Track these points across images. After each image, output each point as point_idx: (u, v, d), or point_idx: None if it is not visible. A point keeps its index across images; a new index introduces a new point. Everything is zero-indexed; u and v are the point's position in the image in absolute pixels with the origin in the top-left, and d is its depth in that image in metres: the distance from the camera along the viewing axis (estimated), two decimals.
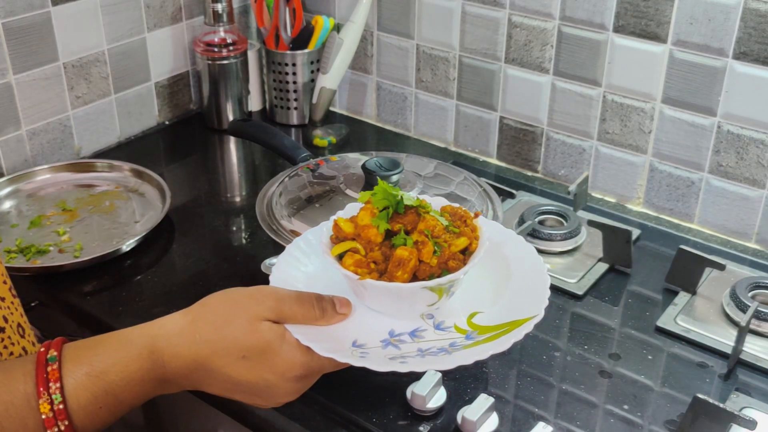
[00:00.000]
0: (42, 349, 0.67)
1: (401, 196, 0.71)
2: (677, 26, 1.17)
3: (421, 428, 0.87)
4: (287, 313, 0.69)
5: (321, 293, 0.72)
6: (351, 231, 0.72)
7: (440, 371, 0.88)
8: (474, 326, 0.71)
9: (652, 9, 1.18)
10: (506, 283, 0.75)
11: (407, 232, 0.70)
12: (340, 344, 0.68)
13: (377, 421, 0.88)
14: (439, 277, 0.69)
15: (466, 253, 0.71)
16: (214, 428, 1.01)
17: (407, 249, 0.68)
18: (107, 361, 0.67)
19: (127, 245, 1.15)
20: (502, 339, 0.67)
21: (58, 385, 0.64)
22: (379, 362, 0.66)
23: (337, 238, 0.73)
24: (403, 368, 0.65)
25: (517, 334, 0.67)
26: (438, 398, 0.89)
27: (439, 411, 0.89)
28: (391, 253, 0.69)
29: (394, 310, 0.72)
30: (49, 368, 0.65)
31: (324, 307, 0.70)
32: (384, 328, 0.71)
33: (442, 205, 0.76)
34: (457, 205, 0.76)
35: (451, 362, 0.66)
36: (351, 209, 0.76)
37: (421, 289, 0.69)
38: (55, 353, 0.66)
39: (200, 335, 0.68)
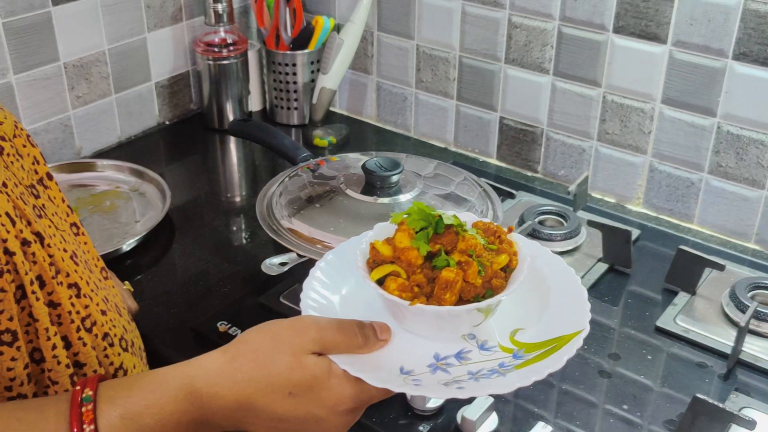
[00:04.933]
0: (78, 388, 0.64)
1: (440, 216, 0.70)
2: (677, 27, 1.17)
3: (421, 428, 0.87)
4: (330, 342, 0.66)
5: (356, 317, 0.69)
6: (389, 254, 0.69)
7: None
8: (519, 344, 0.70)
9: (652, 10, 1.18)
10: (541, 297, 0.74)
11: (446, 252, 0.69)
12: (388, 372, 0.66)
13: (377, 420, 0.88)
14: (483, 295, 0.67)
15: (507, 270, 0.70)
16: None
17: (453, 270, 0.66)
18: (142, 404, 0.64)
19: (127, 245, 1.15)
20: (555, 357, 0.66)
21: (92, 426, 0.62)
22: (435, 389, 0.65)
23: (375, 261, 0.70)
24: (461, 394, 0.64)
25: (569, 351, 0.66)
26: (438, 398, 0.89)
27: (439, 410, 0.89)
28: (433, 275, 0.67)
29: (438, 332, 0.70)
30: (83, 409, 0.63)
31: (366, 335, 0.68)
32: (428, 352, 0.69)
33: (473, 221, 0.74)
34: (488, 220, 0.74)
35: (509, 385, 0.64)
36: (380, 230, 0.73)
37: (471, 311, 0.67)
38: (90, 393, 0.64)
39: (242, 374, 0.65)
